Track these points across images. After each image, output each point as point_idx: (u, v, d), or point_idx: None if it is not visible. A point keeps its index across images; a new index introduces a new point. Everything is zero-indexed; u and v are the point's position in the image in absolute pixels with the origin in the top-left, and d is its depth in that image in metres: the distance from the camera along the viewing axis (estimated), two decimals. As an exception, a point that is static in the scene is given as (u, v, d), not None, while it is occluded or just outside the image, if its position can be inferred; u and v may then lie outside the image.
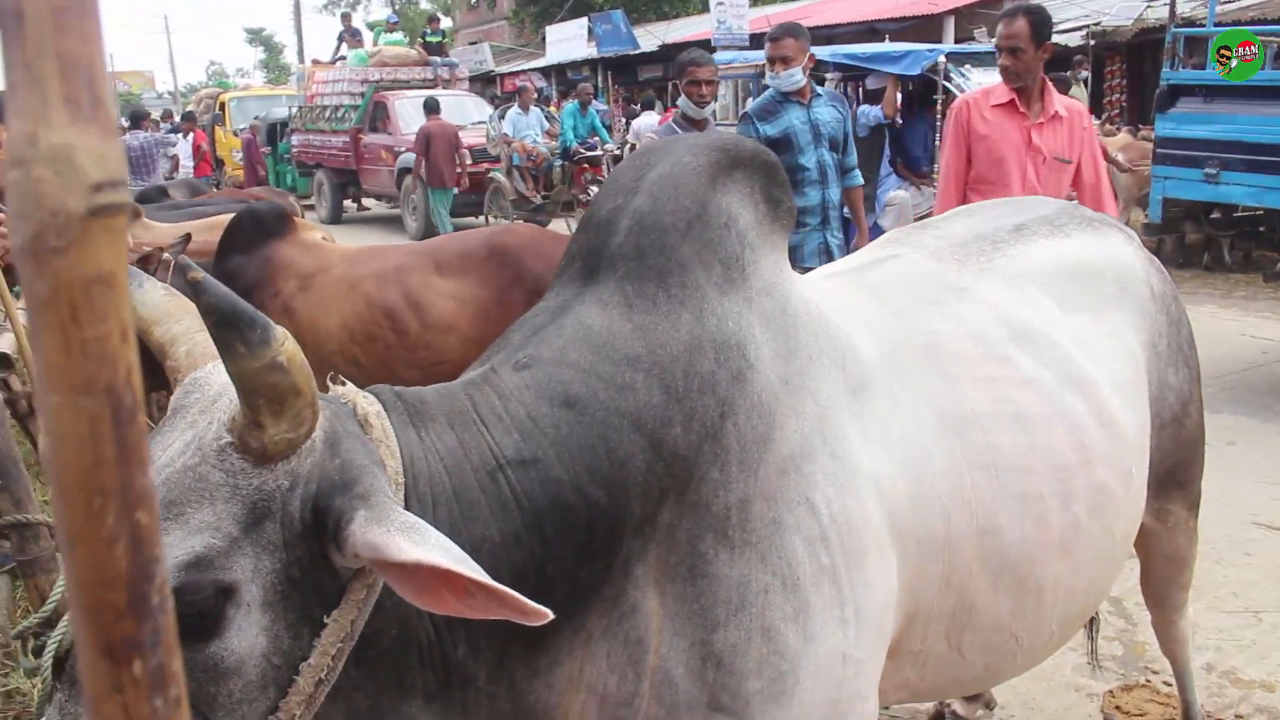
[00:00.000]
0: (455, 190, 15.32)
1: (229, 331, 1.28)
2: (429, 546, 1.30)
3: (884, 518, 1.88)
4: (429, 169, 14.97)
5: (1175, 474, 2.69)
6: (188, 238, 4.44)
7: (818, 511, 1.79)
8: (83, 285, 0.42)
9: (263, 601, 1.37)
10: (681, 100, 5.72)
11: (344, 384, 1.61)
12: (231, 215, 4.60)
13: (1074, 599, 2.28)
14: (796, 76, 5.46)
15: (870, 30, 20.17)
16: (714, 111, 5.60)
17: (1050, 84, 4.80)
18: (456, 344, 3.89)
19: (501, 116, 16.13)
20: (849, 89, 10.12)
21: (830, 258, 5.42)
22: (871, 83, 9.53)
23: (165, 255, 4.09)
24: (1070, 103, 4.85)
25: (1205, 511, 4.43)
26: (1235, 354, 7.95)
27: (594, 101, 16.99)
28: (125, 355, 0.44)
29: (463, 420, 1.64)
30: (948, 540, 2.00)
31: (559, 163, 15.20)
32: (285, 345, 1.31)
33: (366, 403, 1.58)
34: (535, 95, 17.06)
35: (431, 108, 15.47)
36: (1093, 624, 3.35)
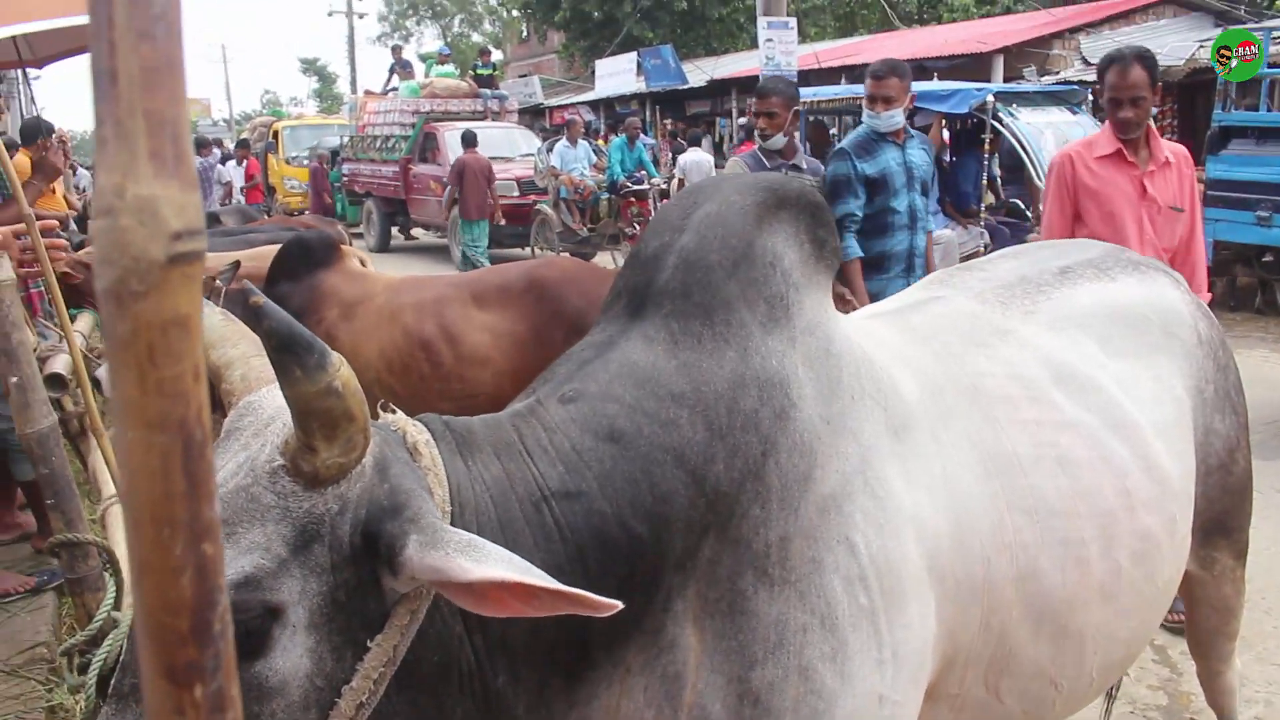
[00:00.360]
0: (488, 222, 15.33)
1: (287, 355, 1.31)
2: (492, 562, 1.33)
3: (924, 559, 1.88)
4: (462, 201, 15.12)
5: (1222, 521, 2.66)
6: (237, 264, 4.53)
7: (857, 551, 1.79)
8: (160, 327, 0.45)
9: (308, 623, 1.40)
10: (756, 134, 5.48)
11: (394, 412, 1.64)
12: (280, 243, 4.68)
13: (1115, 646, 2.26)
14: (898, 118, 5.17)
15: (919, 68, 20.16)
16: (799, 144, 5.42)
17: (1154, 129, 4.49)
18: (490, 377, 3.92)
19: (550, 149, 16.26)
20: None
21: None
22: (919, 120, 9.53)
23: (216, 282, 4.17)
24: (1175, 147, 4.54)
25: (1256, 561, 4.37)
26: (1265, 402, 7.82)
27: (642, 136, 17.09)
28: (197, 393, 0.47)
29: (509, 451, 1.66)
30: (988, 584, 1.99)
31: (606, 196, 15.28)
32: (341, 371, 1.34)
33: (416, 431, 1.60)
34: (583, 128, 17.17)
35: (469, 141, 15.61)
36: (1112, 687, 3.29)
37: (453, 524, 1.52)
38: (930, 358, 2.14)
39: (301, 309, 4.15)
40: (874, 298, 4.58)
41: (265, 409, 1.52)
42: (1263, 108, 8.54)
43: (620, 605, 1.33)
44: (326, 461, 1.37)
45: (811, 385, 1.85)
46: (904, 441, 1.95)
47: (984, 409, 2.11)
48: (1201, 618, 2.87)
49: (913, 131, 5.39)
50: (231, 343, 1.69)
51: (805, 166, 5.34)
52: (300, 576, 1.39)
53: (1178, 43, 18.22)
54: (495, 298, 4.23)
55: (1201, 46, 15.95)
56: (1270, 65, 8.63)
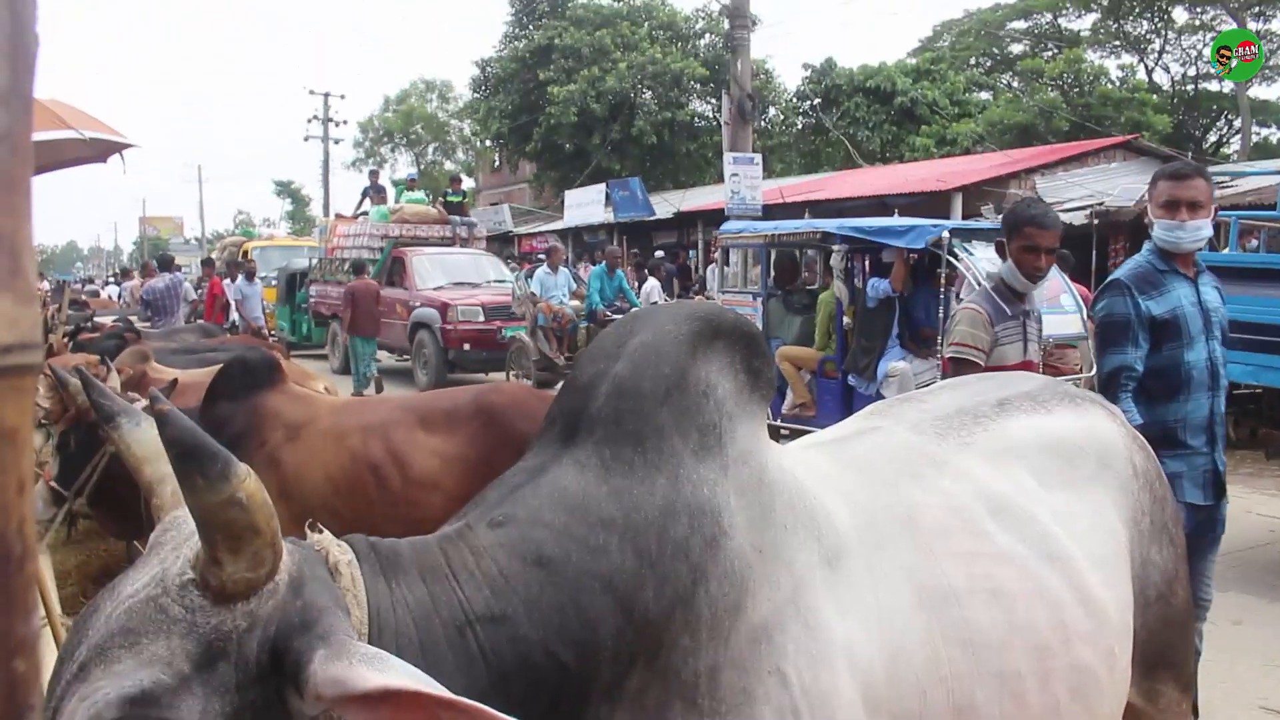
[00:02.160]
0: (375, 340, 16.81)
1: (189, 464, 1.30)
2: (393, 672, 1.30)
3: (857, 691, 1.86)
4: (355, 322, 16.19)
5: (1165, 654, 2.65)
6: (175, 382, 4.49)
7: (789, 683, 1.77)
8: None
9: None
10: (1006, 267, 4.31)
11: (321, 531, 1.63)
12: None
13: None
14: (1205, 230, 4.02)
15: (880, 204, 20.67)
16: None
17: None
18: (440, 501, 3.86)
19: (529, 276, 16.39)
20: (854, 262, 10.32)
21: (1220, 489, 4.10)
22: (886, 256, 9.71)
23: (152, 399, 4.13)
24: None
25: (1211, 693, 4.35)
26: (1241, 532, 7.86)
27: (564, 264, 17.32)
28: (19, 506, 0.46)
29: (435, 574, 1.64)
30: (922, 717, 1.96)
31: (585, 324, 15.29)
32: (246, 483, 1.32)
33: (339, 551, 1.58)
34: (565, 257, 17.33)
35: (358, 268, 17.68)
36: None
37: (370, 645, 1.49)
38: (865, 488, 2.15)
39: (244, 430, 4.11)
40: (1172, 480, 3.48)
41: (189, 523, 1.50)
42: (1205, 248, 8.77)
43: None
44: (233, 576, 1.35)
45: (743, 514, 1.84)
46: (837, 571, 1.94)
47: (919, 540, 2.10)
48: None
49: (1203, 264, 4.23)
50: (165, 458, 1.67)
51: (1035, 312, 4.44)
52: (202, 695, 1.34)
53: (1129, 185, 18.80)
54: (443, 422, 4.20)
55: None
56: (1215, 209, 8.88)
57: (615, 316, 14.82)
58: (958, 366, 4.13)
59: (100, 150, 6.26)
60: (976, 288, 9.12)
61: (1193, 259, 4.09)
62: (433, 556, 1.68)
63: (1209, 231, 4.06)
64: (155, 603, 1.37)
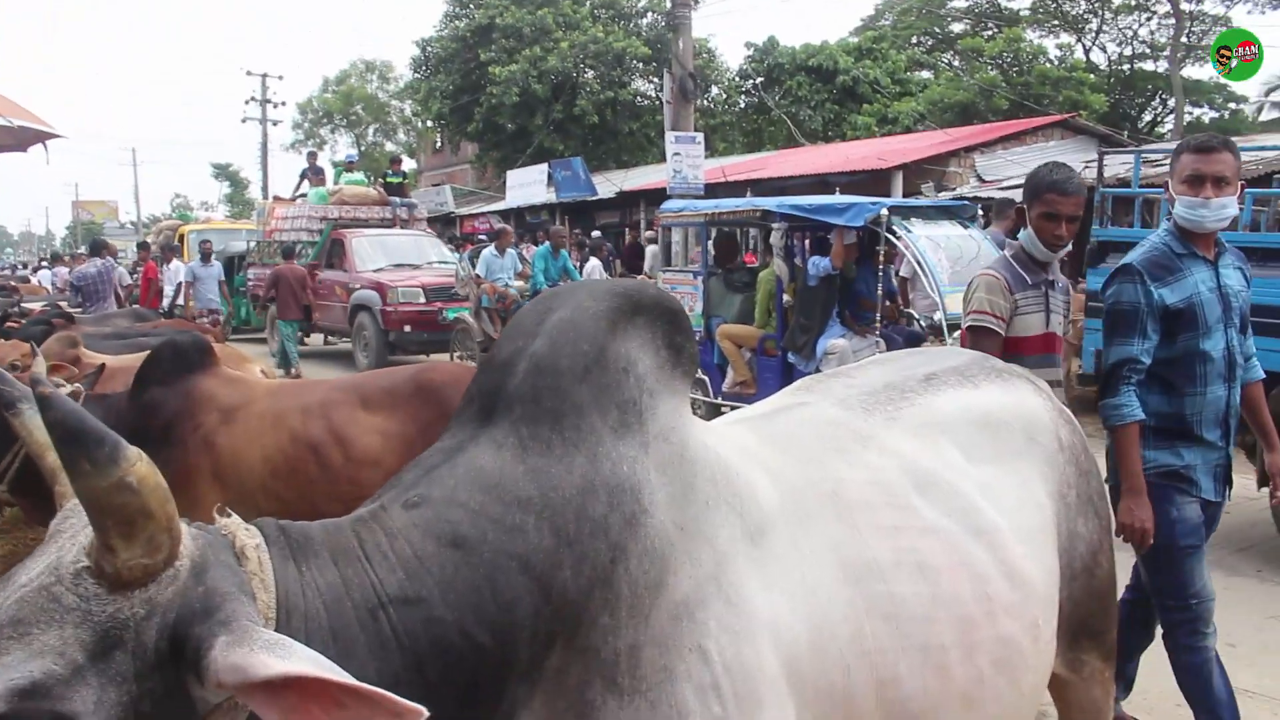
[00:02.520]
0: (298, 322, 17.30)
1: (74, 448, 1.27)
2: (296, 659, 1.28)
3: (781, 667, 1.85)
4: (280, 304, 16.65)
5: (1088, 624, 2.68)
6: (101, 368, 4.40)
7: (710, 659, 1.76)
8: None
9: None
10: (1026, 234, 4.07)
11: (230, 516, 1.59)
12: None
13: None
14: (1230, 209, 3.71)
15: (822, 183, 20.75)
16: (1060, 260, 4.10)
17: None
18: (381, 479, 3.77)
19: (474, 257, 16.24)
20: (794, 240, 10.35)
21: (1229, 484, 3.89)
22: (838, 237, 9.74)
23: (77, 386, 4.05)
24: None
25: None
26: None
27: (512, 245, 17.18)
28: None
29: (347, 556, 1.61)
30: (847, 691, 1.97)
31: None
32: (137, 467, 1.29)
33: (246, 535, 1.55)
34: (513, 240, 17.13)
35: (287, 253, 18.04)
36: None
37: (277, 630, 1.46)
38: (790, 463, 2.14)
39: (176, 415, 4.04)
40: (1171, 477, 3.73)
41: None
42: (1137, 224, 8.88)
43: (425, 713, 1.28)
44: (128, 563, 1.32)
45: (664, 491, 1.83)
46: (761, 547, 1.94)
47: (844, 515, 2.11)
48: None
49: (1225, 244, 3.91)
50: None
51: (1060, 284, 4.16)
52: (98, 685, 1.30)
53: (1066, 162, 19.01)
54: (382, 400, 4.17)
55: (1086, 167, 16.67)
56: (1142, 185, 9.00)
57: None
58: (976, 336, 3.92)
59: (23, 139, 6.09)
60: (916, 265, 9.21)
61: (1214, 238, 3.80)
62: (345, 539, 1.65)
63: (1234, 210, 3.73)
64: (48, 591, 1.33)
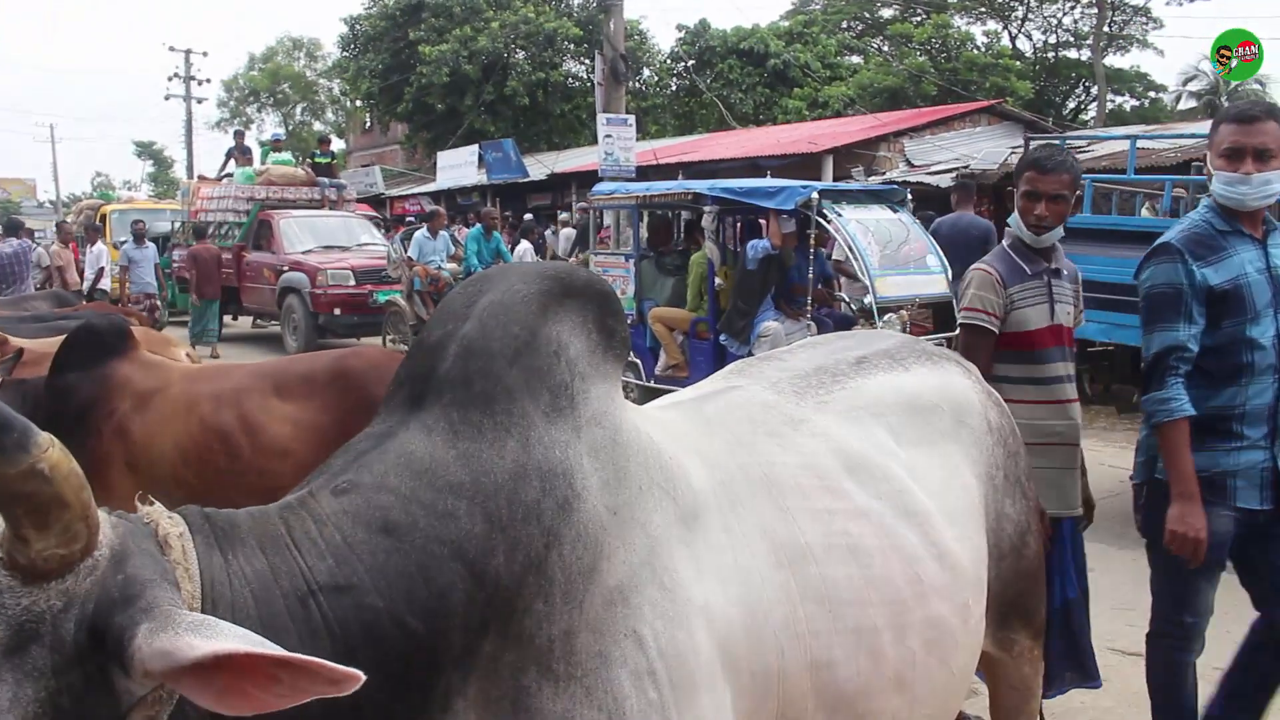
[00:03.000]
0: (218, 300, 17.42)
1: None
2: (223, 637, 1.25)
3: (716, 651, 1.86)
4: (198, 283, 16.87)
5: (1017, 603, 2.72)
6: (20, 352, 4.28)
7: (645, 644, 1.76)
8: None
9: None
10: (1013, 219, 3.80)
11: (152, 504, 1.55)
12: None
13: None
14: (1275, 185, 3.29)
15: (753, 166, 20.81)
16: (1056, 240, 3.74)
17: None
18: (291, 470, 3.70)
19: (406, 239, 16.04)
20: (728, 224, 10.37)
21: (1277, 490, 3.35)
22: (782, 224, 9.75)
23: None
24: None
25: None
26: (1095, 483, 8.07)
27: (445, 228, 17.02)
28: None
29: (275, 544, 1.58)
30: (782, 674, 1.98)
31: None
32: (49, 453, 1.25)
33: (169, 523, 1.51)
34: (446, 221, 16.85)
35: (200, 234, 18.26)
36: None
37: None
38: (722, 447, 2.14)
39: (91, 400, 3.94)
40: (1220, 481, 3.31)
41: None
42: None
43: (362, 676, 1.27)
44: (44, 554, 1.27)
45: (597, 475, 1.82)
46: (694, 531, 1.93)
47: (776, 498, 2.11)
48: (1002, 697, 2.92)
49: (1274, 220, 3.52)
50: None
51: (1066, 271, 3.84)
52: (13, 682, 1.26)
53: (992, 149, 19.30)
54: (298, 388, 4.08)
55: (1013, 152, 16.94)
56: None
57: None
58: (970, 334, 3.69)
59: None
60: (847, 249, 9.28)
61: (1261, 217, 3.40)
62: (273, 526, 1.62)
63: (1279, 186, 3.29)
64: None
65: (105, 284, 16.71)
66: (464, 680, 1.65)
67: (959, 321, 3.85)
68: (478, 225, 15.57)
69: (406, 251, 15.13)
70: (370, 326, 16.28)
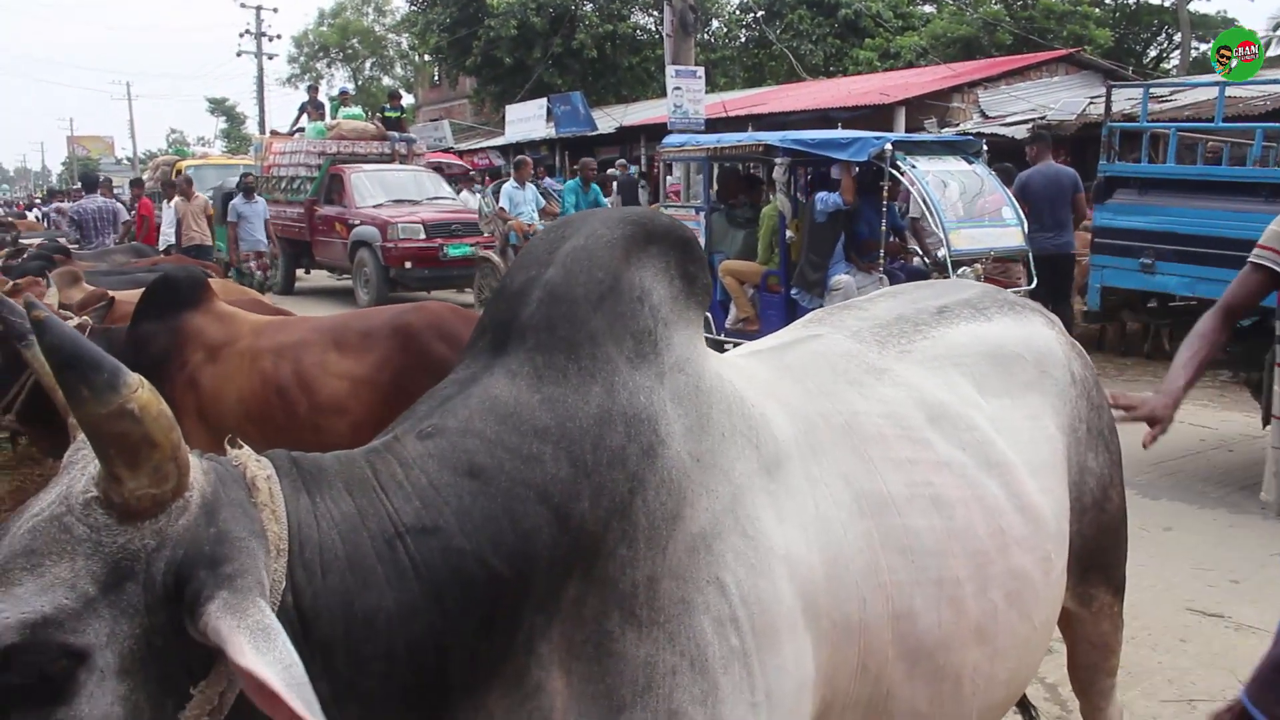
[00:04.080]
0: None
1: (71, 374, 1.24)
2: (270, 660, 1.25)
3: (798, 599, 1.85)
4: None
5: (1098, 558, 2.68)
6: (111, 301, 4.37)
7: (728, 591, 1.75)
8: None
9: (120, 668, 1.30)
10: None
11: (240, 447, 1.57)
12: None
13: (993, 687, 2.25)
14: None
15: (823, 118, 20.56)
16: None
17: None
18: (347, 428, 3.77)
19: (496, 191, 15.95)
20: (799, 176, 10.26)
21: None
22: (835, 172, 9.64)
23: (85, 318, 4.02)
24: None
25: (1140, 597, 4.43)
26: (1174, 441, 7.97)
27: (548, 179, 16.92)
28: None
29: (361, 487, 1.60)
30: (863, 624, 1.97)
31: None
32: (138, 393, 1.26)
33: (257, 466, 1.53)
34: (533, 170, 16.44)
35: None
36: (1027, 711, 3.30)
37: (291, 562, 1.45)
38: (804, 396, 2.13)
39: (166, 351, 4.01)
40: None
41: None
42: (1144, 160, 8.80)
43: None
44: (136, 493, 1.30)
45: (680, 422, 1.81)
46: (776, 480, 1.92)
47: (858, 448, 2.09)
48: (1081, 655, 2.89)
49: None
50: None
51: None
52: (110, 618, 1.29)
53: (1070, 99, 18.86)
54: (357, 343, 4.08)
55: (1091, 103, 16.54)
56: (1150, 121, 8.91)
57: None
58: (1247, 269, 3.12)
59: None
60: (921, 201, 9.14)
61: None
62: (359, 469, 1.63)
63: None
64: (59, 522, 1.31)
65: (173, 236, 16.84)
66: (548, 623, 1.66)
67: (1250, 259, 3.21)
68: (576, 178, 15.17)
69: (498, 204, 14.99)
70: (442, 280, 16.37)
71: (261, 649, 1.25)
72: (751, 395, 1.99)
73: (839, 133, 10.59)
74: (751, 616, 1.76)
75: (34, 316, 1.25)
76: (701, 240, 10.50)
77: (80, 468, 1.40)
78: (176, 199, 16.08)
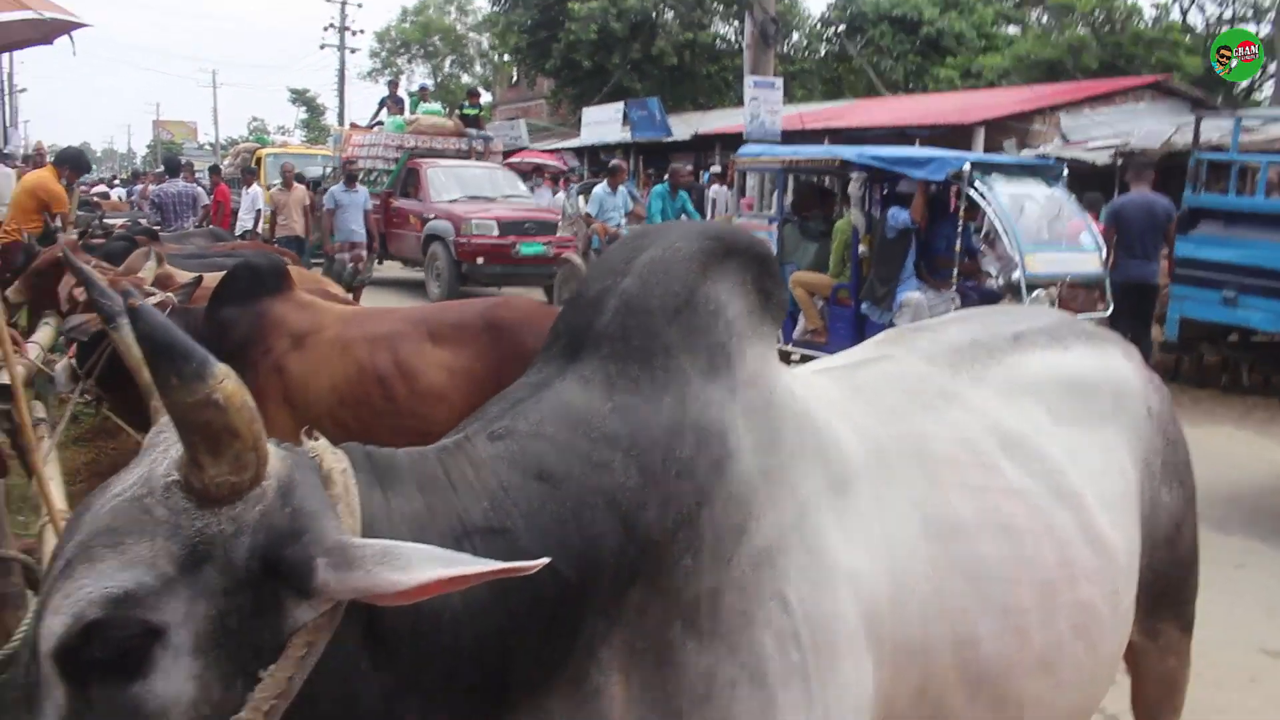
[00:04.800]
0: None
1: (162, 362, 1.27)
2: (417, 565, 1.33)
3: (860, 619, 1.84)
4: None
5: (1168, 594, 2.64)
6: (197, 280, 4.46)
7: (790, 608, 1.75)
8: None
9: (194, 647, 1.33)
10: None
11: (317, 439, 1.60)
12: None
13: (1055, 718, 2.22)
14: None
15: (901, 135, 20.40)
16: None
17: None
18: (446, 415, 3.80)
19: (583, 192, 15.91)
20: (873, 191, 10.19)
21: None
22: (904, 186, 9.57)
23: (169, 295, 4.11)
24: None
25: (1210, 635, 4.34)
26: (1250, 477, 7.86)
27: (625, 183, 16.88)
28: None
29: (432, 485, 1.61)
30: (925, 648, 1.95)
31: None
32: (224, 384, 1.29)
33: (333, 458, 1.55)
34: (626, 175, 16.16)
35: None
36: None
37: None
38: (875, 417, 2.11)
39: (247, 337, 4.08)
40: None
41: None
42: (1231, 192, 8.63)
43: (547, 560, 1.39)
44: (216, 479, 1.33)
45: (750, 437, 1.81)
46: (844, 499, 1.92)
47: (928, 471, 2.08)
48: (1146, 690, 2.84)
49: None
50: None
51: None
52: (187, 598, 1.32)
53: (1155, 126, 18.52)
54: (451, 335, 4.16)
55: (1177, 131, 16.22)
56: (1240, 152, 8.73)
57: None
58: None
59: (47, 31, 5.96)
60: (997, 223, 9.04)
61: None
62: (430, 467, 1.65)
63: None
64: (140, 503, 1.35)
65: (258, 225, 17.14)
66: (609, 629, 1.66)
67: None
68: (664, 183, 14.85)
69: (585, 207, 14.91)
70: (514, 277, 16.43)
71: (403, 566, 1.33)
72: (822, 414, 1.99)
73: (916, 150, 10.52)
74: (813, 634, 1.76)
75: (129, 304, 1.29)
76: (778, 252, 10.47)
77: (161, 450, 1.43)
78: (274, 189, 16.16)
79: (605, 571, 1.63)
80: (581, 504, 1.63)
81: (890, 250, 9.16)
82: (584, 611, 1.63)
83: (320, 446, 1.57)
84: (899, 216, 9.11)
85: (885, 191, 10.29)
